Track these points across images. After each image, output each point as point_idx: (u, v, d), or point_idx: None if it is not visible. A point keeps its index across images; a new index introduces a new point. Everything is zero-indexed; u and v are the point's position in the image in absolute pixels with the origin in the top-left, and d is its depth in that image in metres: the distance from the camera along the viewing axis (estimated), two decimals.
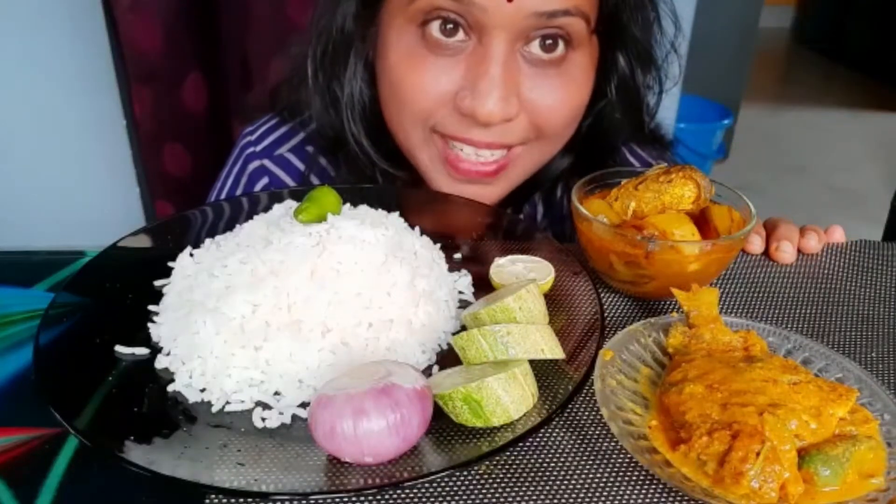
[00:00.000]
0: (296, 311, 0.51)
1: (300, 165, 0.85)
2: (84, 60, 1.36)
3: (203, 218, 0.68)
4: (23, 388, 0.51)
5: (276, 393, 0.49)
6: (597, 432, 0.48)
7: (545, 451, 0.47)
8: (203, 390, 0.49)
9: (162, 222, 0.67)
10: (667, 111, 1.12)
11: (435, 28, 0.66)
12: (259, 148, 0.86)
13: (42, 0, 1.32)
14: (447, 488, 0.44)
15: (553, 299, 0.59)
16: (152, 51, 1.28)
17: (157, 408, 0.48)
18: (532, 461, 0.46)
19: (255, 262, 0.54)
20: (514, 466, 0.45)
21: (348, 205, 0.63)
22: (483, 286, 0.62)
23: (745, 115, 3.19)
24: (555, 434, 0.48)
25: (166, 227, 0.66)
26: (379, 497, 0.43)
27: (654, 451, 0.44)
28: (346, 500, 0.42)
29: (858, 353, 0.58)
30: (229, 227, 0.63)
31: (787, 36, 5.02)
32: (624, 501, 0.43)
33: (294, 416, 0.48)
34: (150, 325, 0.54)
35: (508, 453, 0.46)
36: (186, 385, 0.49)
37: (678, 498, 0.44)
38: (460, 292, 0.62)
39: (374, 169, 0.79)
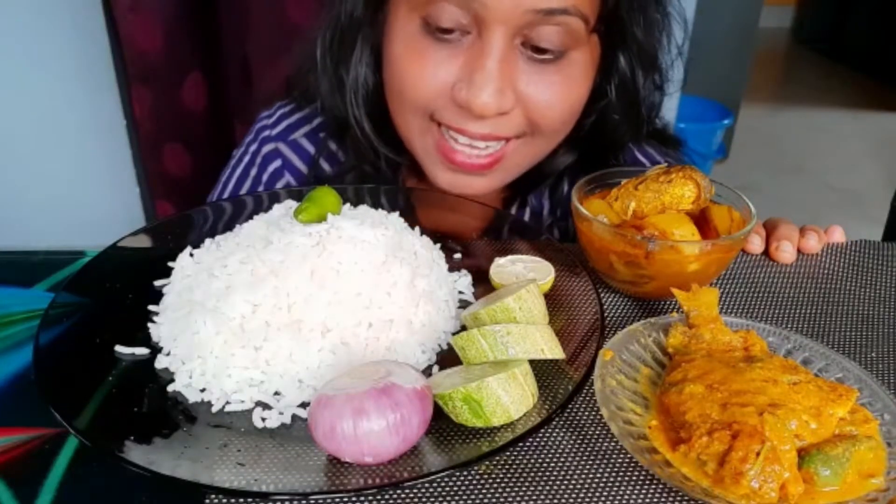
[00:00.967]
0: (296, 311, 0.51)
1: (311, 150, 0.87)
2: (84, 60, 1.36)
3: (203, 218, 0.68)
4: (23, 388, 0.51)
5: (276, 393, 0.49)
6: (597, 432, 0.48)
7: (545, 451, 0.47)
8: (203, 390, 0.49)
9: (162, 222, 0.67)
10: (667, 111, 1.12)
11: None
12: (274, 132, 0.87)
13: (42, 0, 1.32)
14: (447, 488, 0.44)
15: (553, 299, 0.59)
16: (152, 51, 1.28)
17: (157, 408, 0.48)
18: (532, 461, 0.46)
19: (255, 262, 0.54)
20: (514, 466, 0.45)
21: (348, 205, 0.63)
22: (483, 286, 0.62)
23: (745, 115, 3.19)
24: (555, 434, 0.48)
25: (166, 227, 0.66)
26: (379, 497, 0.43)
27: (654, 451, 0.44)
28: (346, 500, 0.42)
29: (858, 353, 0.58)
30: (229, 227, 0.63)
31: (787, 36, 5.02)
32: (624, 501, 0.43)
33: (294, 416, 0.48)
34: (150, 325, 0.54)
35: (508, 453, 0.46)
36: (186, 385, 0.49)
37: (678, 498, 0.44)
38: (460, 292, 0.62)
39: (376, 154, 0.79)
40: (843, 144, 3.46)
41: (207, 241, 0.61)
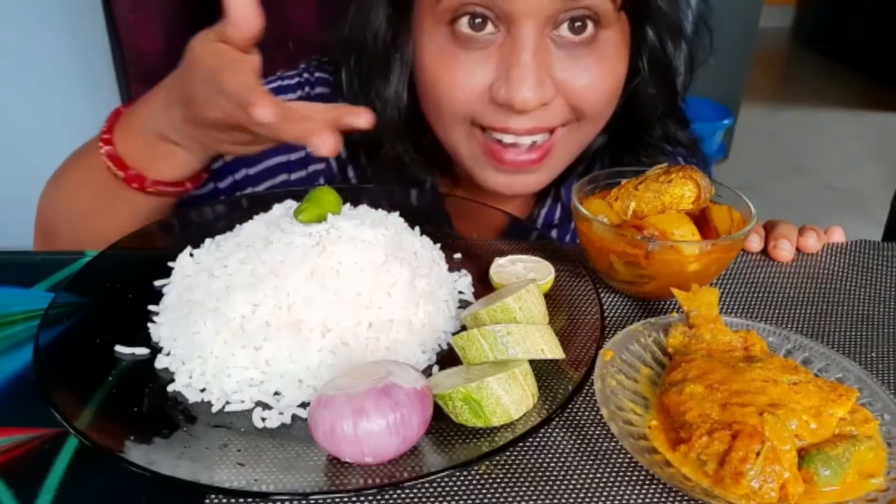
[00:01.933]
0: (296, 311, 0.51)
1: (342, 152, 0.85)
2: (84, 60, 1.36)
3: (203, 218, 0.68)
4: (23, 388, 0.51)
5: (276, 393, 0.49)
6: (597, 432, 0.48)
7: (545, 451, 0.47)
8: (203, 390, 0.49)
9: (162, 222, 0.67)
10: None
11: (464, 24, 0.67)
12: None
13: (42, 1, 1.32)
14: (447, 488, 0.44)
15: (553, 299, 0.59)
16: (152, 51, 1.28)
17: (157, 408, 0.48)
18: (532, 461, 0.46)
19: (255, 262, 0.54)
20: (514, 466, 0.45)
21: (348, 205, 0.63)
22: (483, 286, 0.62)
23: (745, 115, 3.19)
24: (555, 434, 0.48)
25: (166, 227, 0.66)
26: (379, 497, 0.43)
27: (654, 451, 0.44)
28: (346, 500, 0.42)
29: (858, 353, 0.58)
30: (229, 227, 0.63)
31: (787, 36, 5.02)
32: (624, 501, 0.43)
33: (294, 416, 0.48)
34: (150, 325, 0.54)
35: (508, 453, 0.46)
36: (186, 385, 0.49)
37: (678, 498, 0.44)
38: (460, 292, 0.62)
39: (408, 172, 0.79)
40: (843, 144, 3.46)
41: (207, 241, 0.61)
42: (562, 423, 0.49)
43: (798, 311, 0.63)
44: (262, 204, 0.65)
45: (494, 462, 0.45)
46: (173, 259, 0.59)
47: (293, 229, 0.56)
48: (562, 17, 0.66)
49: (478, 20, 0.66)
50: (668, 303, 0.64)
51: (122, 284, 0.58)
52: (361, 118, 0.57)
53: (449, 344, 0.54)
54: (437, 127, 0.75)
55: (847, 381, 0.49)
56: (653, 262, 0.58)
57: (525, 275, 0.60)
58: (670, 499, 0.44)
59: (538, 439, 0.47)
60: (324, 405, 0.42)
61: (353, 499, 0.42)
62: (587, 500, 0.43)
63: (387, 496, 0.43)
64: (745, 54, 3.00)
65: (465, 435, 0.45)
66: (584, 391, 0.50)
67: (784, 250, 0.70)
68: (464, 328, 0.55)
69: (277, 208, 0.62)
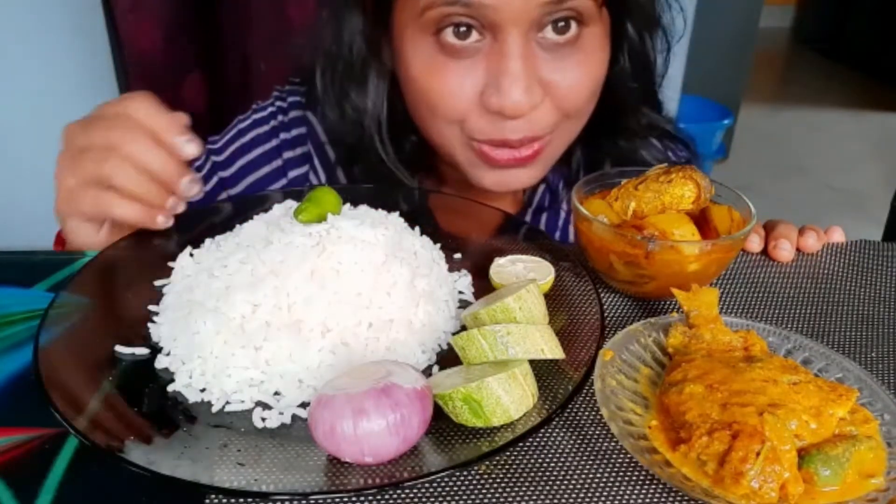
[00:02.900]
0: (296, 311, 0.51)
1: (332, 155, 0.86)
2: (84, 60, 1.36)
3: (203, 218, 0.68)
4: (23, 388, 0.51)
5: (276, 393, 0.49)
6: (597, 432, 0.48)
7: (545, 451, 0.47)
8: (203, 390, 0.49)
9: None
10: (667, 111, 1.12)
11: (449, 34, 0.67)
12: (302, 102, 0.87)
13: (43, 0, 1.32)
14: (447, 488, 0.44)
15: (553, 299, 0.59)
16: (152, 51, 1.28)
17: (157, 408, 0.48)
18: (532, 461, 0.46)
19: (255, 262, 0.54)
20: (514, 466, 0.45)
21: (348, 205, 0.63)
22: (483, 286, 0.62)
23: (745, 115, 3.20)
24: (555, 434, 0.48)
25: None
26: (379, 497, 0.43)
27: (654, 451, 0.44)
28: (346, 500, 0.42)
29: (858, 353, 0.58)
30: (229, 227, 0.63)
31: (787, 36, 5.02)
32: (624, 501, 0.43)
33: (294, 416, 0.48)
34: (150, 325, 0.54)
35: (508, 453, 0.46)
36: (186, 385, 0.49)
37: (678, 498, 0.44)
38: (460, 292, 0.62)
39: (394, 175, 0.79)
40: (843, 144, 3.46)
41: (207, 241, 0.61)
42: (562, 423, 0.49)
43: (798, 311, 0.63)
44: (260, 204, 0.65)
45: (494, 462, 0.45)
46: (173, 259, 0.59)
47: (293, 229, 0.56)
48: (546, 20, 0.66)
49: (462, 29, 0.66)
50: (668, 303, 0.64)
51: (122, 284, 0.58)
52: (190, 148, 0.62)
53: (449, 344, 0.54)
54: (431, 132, 0.75)
55: (847, 381, 0.49)
56: (653, 262, 0.58)
57: (525, 275, 0.60)
58: (670, 499, 0.44)
59: (538, 439, 0.47)
60: (324, 405, 0.42)
61: (353, 499, 0.42)
62: (587, 500, 0.43)
63: (387, 496, 0.43)
64: (745, 54, 3.00)
65: (465, 435, 0.45)
66: (584, 391, 0.50)
67: (784, 250, 0.70)
68: (464, 328, 0.55)
69: (277, 208, 0.62)
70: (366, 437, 0.41)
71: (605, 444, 0.47)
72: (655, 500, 0.43)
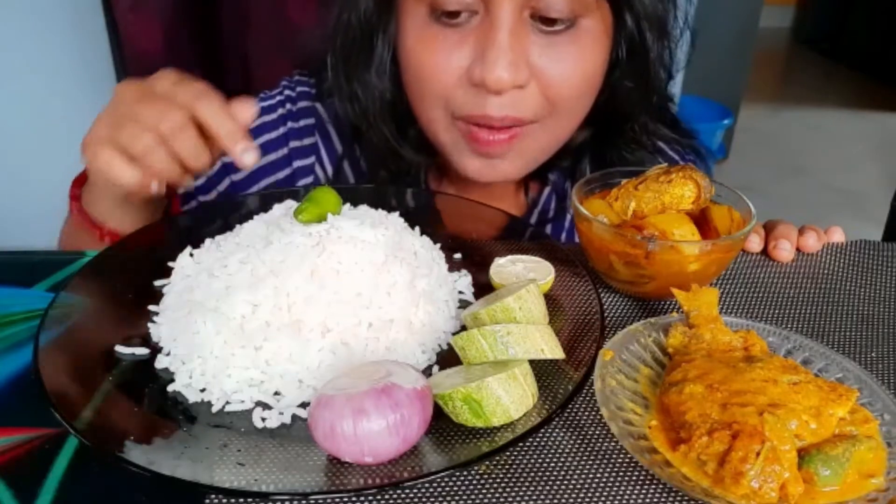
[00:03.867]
0: (296, 311, 0.51)
1: (339, 148, 0.87)
2: (84, 60, 1.36)
3: (203, 218, 0.68)
4: (23, 388, 0.51)
5: (276, 393, 0.49)
6: (597, 432, 0.48)
7: (545, 451, 0.47)
8: (203, 390, 0.49)
9: (162, 222, 0.67)
10: None
11: (443, 2, 0.67)
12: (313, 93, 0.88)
13: (43, 1, 1.32)
14: (447, 488, 0.44)
15: (553, 299, 0.59)
16: (152, 51, 1.28)
17: (157, 408, 0.48)
18: (532, 461, 0.46)
19: (255, 262, 0.54)
20: (514, 466, 0.45)
21: (348, 205, 0.63)
22: (483, 286, 0.62)
23: (745, 115, 3.20)
24: (555, 434, 0.48)
25: (166, 226, 0.66)
26: (379, 497, 0.43)
27: (654, 451, 0.44)
28: (346, 500, 0.42)
29: (858, 353, 0.58)
30: (229, 227, 0.63)
31: (787, 36, 5.02)
32: (624, 501, 0.43)
33: (294, 416, 0.48)
34: (150, 325, 0.54)
35: (508, 453, 0.46)
36: (186, 385, 0.49)
37: (678, 498, 0.44)
38: (460, 292, 0.62)
39: (395, 158, 0.80)
40: (843, 144, 3.46)
41: (207, 241, 0.61)
42: (562, 423, 0.49)
43: (798, 311, 0.63)
44: (260, 204, 0.65)
45: (494, 462, 0.45)
46: (173, 259, 0.59)
47: (293, 229, 0.56)
48: (541, 1, 0.66)
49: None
50: (668, 303, 0.64)
51: (122, 284, 0.58)
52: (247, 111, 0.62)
53: (449, 344, 0.54)
54: (421, 112, 0.75)
55: (847, 381, 0.49)
56: (653, 262, 0.58)
57: (525, 275, 0.60)
58: (670, 499, 0.44)
59: (538, 439, 0.47)
60: (324, 405, 0.42)
61: (353, 499, 0.42)
62: (587, 500, 0.43)
63: (387, 496, 0.43)
64: (744, 54, 3.00)
65: (465, 435, 0.45)
66: (584, 391, 0.50)
67: (784, 250, 0.70)
68: (464, 328, 0.55)
69: (277, 208, 0.62)
70: (366, 438, 0.41)
71: (605, 444, 0.47)
72: (655, 500, 0.43)
